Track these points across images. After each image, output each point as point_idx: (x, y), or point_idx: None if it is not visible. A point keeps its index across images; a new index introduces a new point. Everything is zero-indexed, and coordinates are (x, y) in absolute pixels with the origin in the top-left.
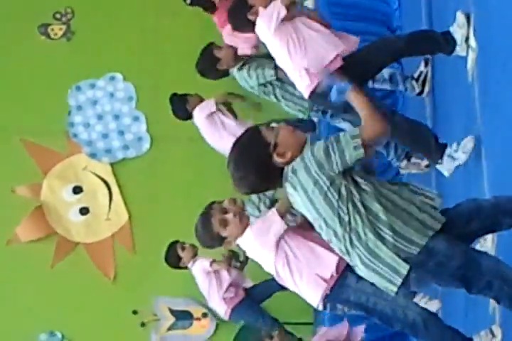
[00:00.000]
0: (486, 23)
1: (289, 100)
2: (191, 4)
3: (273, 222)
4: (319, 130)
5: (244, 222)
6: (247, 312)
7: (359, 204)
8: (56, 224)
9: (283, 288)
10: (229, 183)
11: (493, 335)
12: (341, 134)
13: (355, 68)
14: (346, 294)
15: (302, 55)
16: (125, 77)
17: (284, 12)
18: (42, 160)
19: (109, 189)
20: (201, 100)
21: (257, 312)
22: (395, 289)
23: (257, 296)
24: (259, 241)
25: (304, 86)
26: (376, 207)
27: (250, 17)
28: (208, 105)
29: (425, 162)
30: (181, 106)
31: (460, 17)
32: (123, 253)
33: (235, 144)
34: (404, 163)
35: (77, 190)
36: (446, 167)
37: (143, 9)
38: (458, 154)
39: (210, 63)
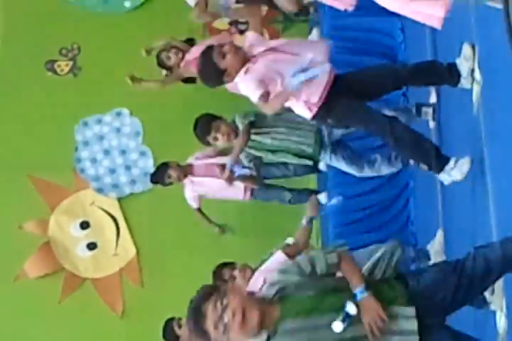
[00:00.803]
0: (490, 55)
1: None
2: None
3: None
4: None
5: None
6: None
7: None
8: (64, 260)
9: None
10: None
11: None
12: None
13: (354, 87)
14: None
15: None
16: (132, 112)
17: (260, 90)
18: (49, 195)
19: (117, 224)
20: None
21: None
22: None
23: None
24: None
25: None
26: None
27: (226, 79)
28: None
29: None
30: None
31: (467, 49)
32: (131, 289)
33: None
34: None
35: (85, 225)
36: (444, 178)
37: (149, 44)
38: (454, 172)
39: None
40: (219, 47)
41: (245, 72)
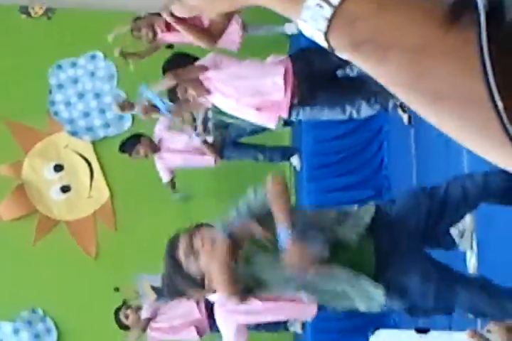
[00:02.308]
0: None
1: None
2: None
3: None
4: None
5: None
6: None
7: None
8: (37, 202)
9: None
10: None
11: None
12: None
13: None
14: None
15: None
16: (106, 55)
17: None
18: (23, 138)
19: (91, 167)
20: None
21: None
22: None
23: None
24: None
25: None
26: None
27: None
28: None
29: (406, 116)
30: None
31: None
32: (105, 231)
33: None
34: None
35: (58, 168)
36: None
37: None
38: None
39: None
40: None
41: None
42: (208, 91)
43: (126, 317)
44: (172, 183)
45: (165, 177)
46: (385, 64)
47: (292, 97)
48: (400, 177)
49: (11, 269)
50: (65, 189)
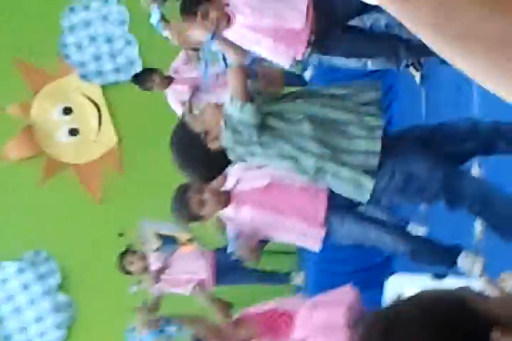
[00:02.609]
0: None
1: None
2: None
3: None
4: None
5: (221, 198)
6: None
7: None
8: (45, 144)
9: None
10: None
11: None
12: (224, 109)
13: None
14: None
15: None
16: None
17: None
18: (33, 79)
19: (99, 111)
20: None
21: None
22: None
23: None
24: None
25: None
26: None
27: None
28: None
29: (419, 75)
30: None
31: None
32: (111, 176)
33: (171, 146)
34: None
35: (67, 110)
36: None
37: None
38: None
39: None
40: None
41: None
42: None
43: (131, 263)
44: (189, 109)
45: (178, 110)
46: (413, 2)
47: (310, 33)
48: None
49: (15, 210)
50: (73, 132)
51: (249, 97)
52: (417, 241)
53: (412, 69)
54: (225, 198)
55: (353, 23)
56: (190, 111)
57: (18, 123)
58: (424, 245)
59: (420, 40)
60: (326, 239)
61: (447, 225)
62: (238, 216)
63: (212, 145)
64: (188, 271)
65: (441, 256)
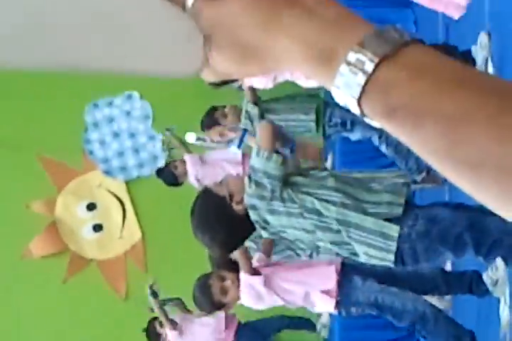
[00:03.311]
0: (504, 46)
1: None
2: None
3: (254, 285)
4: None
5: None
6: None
7: (320, 195)
8: (69, 240)
9: None
10: None
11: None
12: (250, 162)
13: None
14: (355, 296)
15: None
16: (142, 95)
17: None
18: (57, 176)
19: (123, 207)
20: None
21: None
22: (392, 257)
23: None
24: (259, 305)
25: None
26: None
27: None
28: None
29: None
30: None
31: (483, 37)
32: (135, 272)
33: (192, 210)
34: (421, 176)
35: (91, 206)
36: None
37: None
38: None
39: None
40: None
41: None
42: None
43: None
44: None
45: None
46: (421, 131)
47: None
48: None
49: (40, 306)
50: (97, 228)
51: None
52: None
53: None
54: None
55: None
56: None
57: (43, 220)
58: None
59: None
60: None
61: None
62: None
63: (237, 208)
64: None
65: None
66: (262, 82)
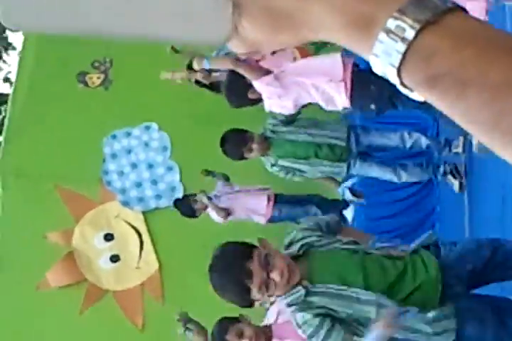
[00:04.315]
0: None
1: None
2: None
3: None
4: None
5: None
6: None
7: None
8: (86, 271)
9: None
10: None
11: None
12: None
13: None
14: None
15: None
16: (160, 126)
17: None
18: (75, 206)
19: (141, 238)
20: None
21: None
22: None
23: None
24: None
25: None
26: None
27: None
28: None
29: (457, 183)
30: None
31: None
32: (152, 303)
33: (211, 270)
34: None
35: (109, 237)
36: None
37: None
38: None
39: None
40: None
41: None
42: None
43: None
44: None
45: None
46: (465, 100)
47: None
48: None
49: (56, 338)
50: (114, 259)
51: None
52: None
53: (450, 177)
54: (265, 337)
55: (393, 142)
56: None
57: (60, 251)
58: None
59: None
60: None
61: None
62: None
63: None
64: None
65: None
66: (283, 107)
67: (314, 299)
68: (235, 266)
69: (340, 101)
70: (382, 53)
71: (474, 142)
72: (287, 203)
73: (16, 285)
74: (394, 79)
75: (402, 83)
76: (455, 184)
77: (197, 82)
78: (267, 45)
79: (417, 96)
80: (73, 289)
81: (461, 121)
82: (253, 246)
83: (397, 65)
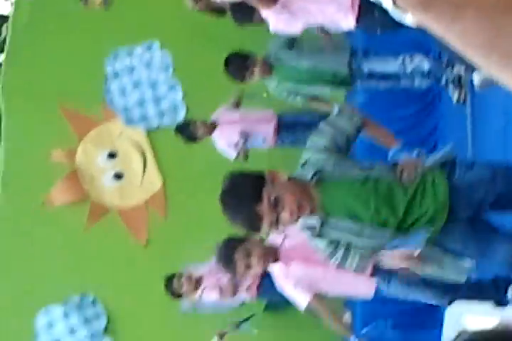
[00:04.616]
0: None
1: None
2: None
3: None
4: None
5: (268, 258)
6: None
7: None
8: (90, 189)
9: None
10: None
11: None
12: None
13: None
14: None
15: None
16: (163, 45)
17: None
18: (78, 125)
19: (144, 156)
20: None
21: None
22: None
23: None
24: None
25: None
26: None
27: None
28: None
29: (457, 93)
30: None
31: None
32: (156, 219)
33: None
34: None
35: (112, 155)
36: None
37: None
38: None
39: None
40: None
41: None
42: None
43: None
44: (244, 156)
45: (231, 155)
46: (461, 22)
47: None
48: None
49: (61, 254)
50: (118, 176)
51: None
52: (463, 290)
53: (451, 86)
54: (273, 258)
55: (392, 68)
56: (246, 158)
57: (63, 169)
58: (471, 291)
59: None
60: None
61: None
62: (288, 274)
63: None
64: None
65: (489, 294)
66: (291, 25)
67: (328, 231)
68: (244, 208)
69: (346, 22)
70: None
71: (475, 78)
72: (291, 129)
73: (20, 204)
74: (388, 3)
75: (395, 4)
76: (455, 93)
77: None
78: None
79: (410, 20)
80: (77, 207)
81: (457, 44)
82: (262, 181)
83: None
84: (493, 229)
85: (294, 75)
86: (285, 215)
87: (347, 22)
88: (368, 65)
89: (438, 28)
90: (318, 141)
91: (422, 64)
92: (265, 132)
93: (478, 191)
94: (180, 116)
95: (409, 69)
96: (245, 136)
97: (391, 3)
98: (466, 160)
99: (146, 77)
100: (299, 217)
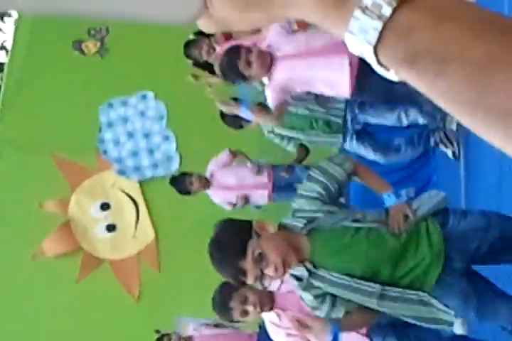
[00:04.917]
0: None
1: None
2: None
3: None
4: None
5: (265, 306)
6: None
7: None
8: (82, 240)
9: None
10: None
11: None
12: None
13: None
14: None
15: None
16: (157, 95)
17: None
18: (71, 175)
19: (137, 207)
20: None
21: None
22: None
23: None
24: None
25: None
26: None
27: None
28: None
29: (450, 151)
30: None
31: None
32: (148, 272)
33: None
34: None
35: (105, 206)
36: None
37: (177, 29)
38: None
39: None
40: (246, 54)
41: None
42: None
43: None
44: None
45: (227, 208)
46: (446, 78)
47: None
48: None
49: (52, 306)
50: (111, 228)
51: None
52: None
53: (442, 146)
54: (270, 304)
55: (389, 122)
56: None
57: (56, 219)
58: None
59: None
60: None
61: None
62: (282, 323)
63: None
64: None
65: None
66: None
67: (316, 282)
68: (228, 263)
69: (342, 90)
70: (358, 31)
71: None
72: (287, 188)
73: (12, 255)
74: (370, 58)
75: (379, 62)
76: (448, 152)
77: (195, 64)
78: (237, 24)
79: (393, 76)
80: (69, 258)
81: (441, 101)
82: (249, 234)
83: (373, 42)
84: (489, 283)
85: (287, 121)
86: (269, 271)
87: (343, 89)
88: (363, 116)
89: (422, 84)
90: (310, 187)
91: (416, 119)
92: (261, 196)
93: (473, 240)
94: (174, 166)
95: (405, 123)
96: (243, 200)
97: (375, 61)
98: (459, 208)
99: (140, 127)
100: (285, 272)
